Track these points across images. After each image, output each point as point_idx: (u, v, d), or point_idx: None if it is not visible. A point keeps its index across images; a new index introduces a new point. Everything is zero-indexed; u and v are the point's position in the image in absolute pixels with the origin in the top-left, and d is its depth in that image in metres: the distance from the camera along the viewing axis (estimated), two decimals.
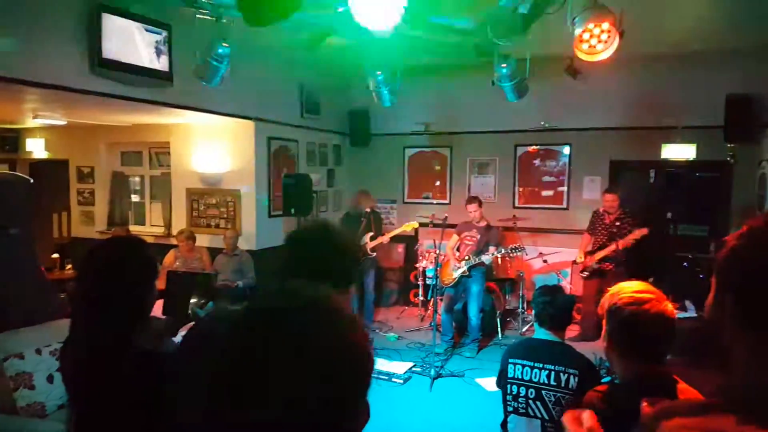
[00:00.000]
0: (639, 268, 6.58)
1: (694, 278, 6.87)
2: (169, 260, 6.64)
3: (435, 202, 8.84)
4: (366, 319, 7.40)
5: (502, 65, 4.95)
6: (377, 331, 7.31)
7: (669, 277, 6.86)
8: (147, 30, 5.06)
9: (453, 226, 6.86)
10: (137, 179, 8.62)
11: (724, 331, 1.02)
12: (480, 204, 6.66)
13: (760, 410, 0.89)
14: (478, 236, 6.57)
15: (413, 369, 5.99)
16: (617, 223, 6.62)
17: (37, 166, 8.92)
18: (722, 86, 6.86)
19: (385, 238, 7.13)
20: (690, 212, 7.07)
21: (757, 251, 0.98)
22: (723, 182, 7.35)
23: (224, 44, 4.44)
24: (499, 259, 7.10)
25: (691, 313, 5.61)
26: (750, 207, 6.84)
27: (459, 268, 6.54)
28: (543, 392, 2.98)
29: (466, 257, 6.53)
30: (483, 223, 6.67)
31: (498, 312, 7.10)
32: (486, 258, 6.41)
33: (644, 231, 6.39)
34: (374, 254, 7.20)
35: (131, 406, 1.48)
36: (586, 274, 6.85)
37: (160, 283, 6.33)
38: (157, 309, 2.89)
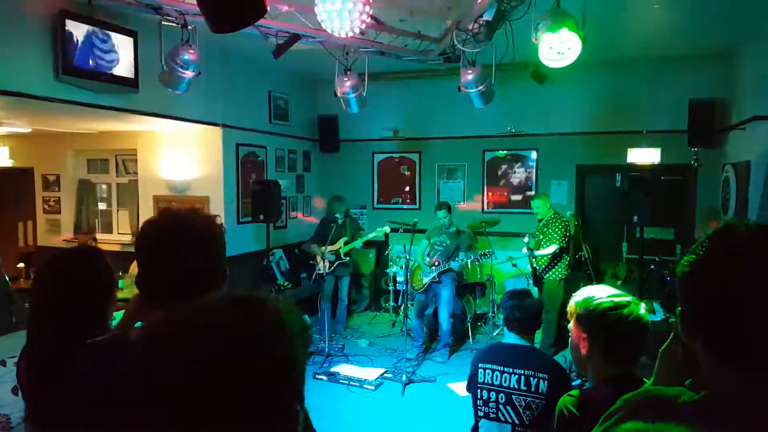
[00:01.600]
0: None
1: (661, 281, 6.99)
2: (136, 269, 6.50)
3: (405, 207, 8.87)
4: (337, 324, 7.36)
5: (468, 71, 4.99)
6: (348, 337, 7.28)
7: (637, 278, 6.99)
8: (112, 37, 4.98)
9: (423, 231, 6.89)
10: (104, 187, 8.46)
11: (688, 343, 1.05)
12: (450, 209, 6.70)
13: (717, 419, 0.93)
14: (448, 242, 6.60)
15: (385, 375, 5.98)
16: (545, 229, 6.61)
17: (0, 174, 8.70)
18: (686, 91, 7.03)
19: (357, 243, 7.11)
20: (656, 215, 7.20)
21: (698, 264, 1.00)
22: (688, 185, 7.51)
23: (190, 51, 4.39)
24: (469, 265, 7.14)
25: (659, 315, 5.71)
26: (714, 210, 7.01)
27: (429, 273, 6.56)
28: (513, 397, 2.99)
29: (436, 263, 6.55)
30: (453, 229, 6.71)
31: (469, 316, 7.14)
32: (455, 264, 6.45)
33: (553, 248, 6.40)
34: (347, 259, 7.14)
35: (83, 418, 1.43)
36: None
37: (133, 291, 6.20)
38: None
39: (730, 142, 6.87)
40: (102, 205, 8.48)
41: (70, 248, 1.90)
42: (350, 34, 3.55)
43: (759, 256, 0.96)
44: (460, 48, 4.55)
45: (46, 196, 8.47)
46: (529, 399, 2.95)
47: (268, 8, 2.91)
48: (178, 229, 1.43)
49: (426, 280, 6.59)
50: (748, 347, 0.96)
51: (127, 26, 5.12)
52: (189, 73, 4.45)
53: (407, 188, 8.95)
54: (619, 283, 7.30)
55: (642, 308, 1.92)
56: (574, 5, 3.88)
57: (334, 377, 5.89)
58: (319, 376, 5.89)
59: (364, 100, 5.76)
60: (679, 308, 1.06)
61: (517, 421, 2.96)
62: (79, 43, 4.72)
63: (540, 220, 6.69)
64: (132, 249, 6.40)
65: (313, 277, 7.30)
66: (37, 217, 8.56)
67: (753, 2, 5.10)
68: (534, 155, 8.21)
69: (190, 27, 4.34)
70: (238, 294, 0.84)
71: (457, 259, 6.47)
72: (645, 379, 1.86)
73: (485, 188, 8.46)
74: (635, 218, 6.86)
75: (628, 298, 1.92)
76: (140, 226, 1.50)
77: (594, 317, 1.90)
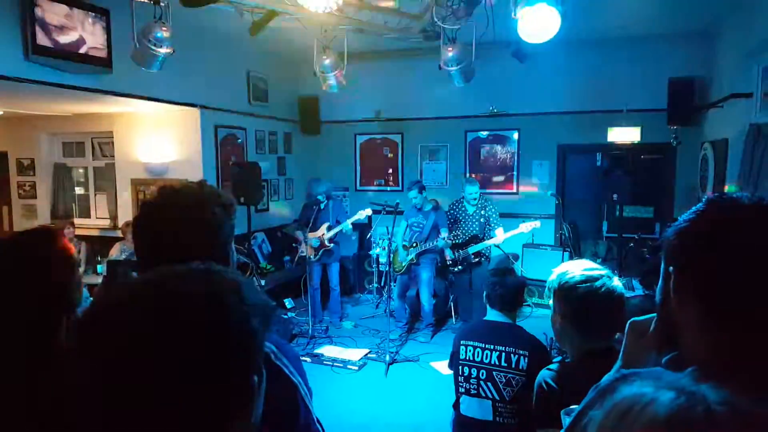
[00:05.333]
0: None
1: (640, 258, 7.06)
2: (114, 253, 6.43)
3: (388, 189, 8.84)
4: (332, 316, 7.19)
5: (449, 48, 4.95)
6: (333, 321, 7.24)
7: (617, 256, 7.05)
8: (84, 15, 4.85)
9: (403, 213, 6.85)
10: (80, 171, 8.31)
11: (672, 308, 1.04)
12: (422, 189, 6.57)
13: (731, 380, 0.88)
14: (425, 222, 6.55)
15: (368, 356, 6.00)
16: (482, 212, 6.59)
17: None
18: (665, 69, 7.05)
19: (343, 226, 6.77)
20: (635, 194, 7.27)
21: (698, 229, 1.00)
22: (667, 164, 7.57)
23: (163, 28, 4.28)
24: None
25: (638, 292, 5.77)
26: (693, 188, 7.07)
27: (407, 255, 6.54)
28: (494, 373, 3.01)
29: (414, 244, 6.52)
30: (429, 207, 6.64)
31: (451, 296, 7.16)
32: (440, 241, 6.37)
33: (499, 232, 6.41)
34: (332, 245, 6.91)
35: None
36: (459, 268, 6.66)
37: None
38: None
39: (708, 120, 6.92)
40: (79, 190, 8.33)
41: (16, 232, 1.81)
42: (327, 10, 3.48)
43: (758, 218, 0.97)
44: (440, 25, 4.50)
45: (21, 181, 8.28)
46: (509, 375, 2.97)
47: None
48: (177, 211, 1.34)
49: (405, 261, 6.57)
50: (751, 309, 0.95)
51: (99, 4, 4.99)
52: (163, 51, 4.34)
53: (390, 170, 8.91)
54: (599, 261, 7.36)
55: (615, 281, 1.92)
56: None
57: (318, 359, 5.89)
58: (303, 358, 5.85)
59: (344, 79, 5.68)
60: (669, 275, 1.05)
61: (497, 397, 2.99)
62: (49, 21, 4.59)
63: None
64: (111, 233, 6.29)
65: (296, 260, 7.24)
66: (13, 202, 8.37)
67: None
68: (515, 135, 8.20)
69: (162, 3, 4.22)
70: (196, 266, 0.80)
71: (439, 238, 6.40)
72: None
73: (468, 169, 8.45)
74: (615, 197, 6.91)
75: (602, 272, 1.92)
76: (139, 206, 1.41)
77: (567, 291, 1.90)
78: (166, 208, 1.35)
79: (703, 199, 1.05)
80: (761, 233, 0.96)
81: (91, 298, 2.86)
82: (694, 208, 1.04)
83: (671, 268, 1.04)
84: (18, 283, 1.53)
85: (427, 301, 6.58)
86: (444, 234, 6.38)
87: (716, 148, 6.26)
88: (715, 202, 1.03)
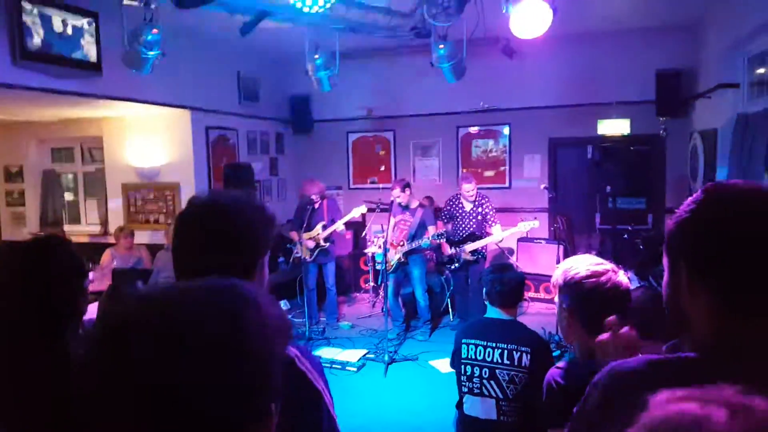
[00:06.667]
0: None
1: (634, 249, 7.10)
2: (106, 259, 6.32)
3: (381, 186, 8.82)
4: (328, 317, 7.13)
5: (440, 45, 4.95)
6: (329, 322, 7.20)
7: (611, 248, 7.09)
8: (72, 18, 4.80)
9: None
10: (70, 176, 8.23)
11: (681, 297, 1.05)
12: (405, 187, 6.46)
13: (743, 362, 0.92)
14: (412, 219, 6.49)
15: (367, 356, 5.97)
16: (479, 210, 6.49)
17: None
18: (653, 62, 7.10)
19: (338, 226, 6.69)
20: (627, 186, 7.31)
21: (702, 217, 1.01)
22: (657, 155, 7.61)
23: (153, 30, 4.25)
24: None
25: (634, 283, 5.81)
26: (683, 178, 7.12)
27: (395, 254, 6.51)
28: (497, 371, 3.01)
29: (401, 243, 6.49)
30: (414, 204, 6.56)
31: (448, 293, 7.15)
32: (425, 242, 6.32)
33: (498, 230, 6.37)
34: (329, 244, 6.83)
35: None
36: (456, 266, 6.54)
37: (104, 283, 6.04)
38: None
39: (696, 110, 6.98)
40: (68, 196, 8.26)
41: (31, 239, 1.80)
42: (320, 10, 3.46)
43: (759, 204, 0.99)
44: (430, 22, 4.50)
45: (9, 189, 8.20)
46: (512, 373, 2.97)
47: None
48: (213, 219, 1.27)
49: (393, 260, 6.49)
50: (759, 295, 0.97)
51: (88, 7, 4.94)
52: (153, 53, 4.31)
53: (383, 167, 8.90)
54: (593, 253, 7.39)
55: (620, 275, 1.91)
56: None
57: None
58: None
59: (335, 78, 5.67)
60: (677, 267, 1.06)
61: (501, 396, 2.99)
62: (37, 25, 4.53)
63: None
64: (102, 240, 6.24)
65: (291, 260, 7.20)
66: (0, 210, 8.29)
67: None
68: (506, 130, 8.23)
69: (152, 6, 4.19)
70: (214, 281, 0.76)
71: (424, 238, 6.31)
72: None
73: (460, 164, 8.46)
74: (607, 189, 6.95)
75: (607, 266, 1.91)
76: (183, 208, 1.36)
77: (573, 287, 1.88)
78: (197, 220, 1.29)
79: (701, 188, 1.05)
80: (763, 217, 0.97)
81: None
82: (692, 198, 1.04)
83: (679, 260, 1.05)
84: (28, 290, 1.53)
85: (421, 297, 6.56)
86: (431, 231, 6.30)
87: (705, 138, 6.31)
88: (713, 190, 1.04)
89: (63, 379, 1.34)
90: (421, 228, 6.41)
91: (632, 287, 1.98)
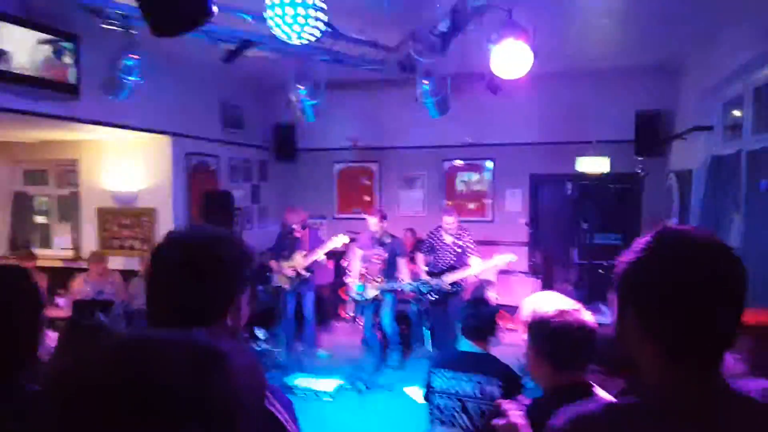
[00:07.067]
0: None
1: (609, 283, 7.13)
2: (78, 285, 6.11)
3: (365, 217, 8.76)
4: (307, 346, 7.02)
5: (424, 81, 4.98)
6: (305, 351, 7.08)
7: (588, 282, 7.12)
8: (51, 41, 4.75)
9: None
10: (43, 199, 8.06)
11: (629, 340, 1.07)
12: (382, 218, 6.45)
13: (682, 409, 0.97)
14: (386, 254, 6.46)
15: (343, 385, 5.90)
16: (460, 242, 6.48)
17: None
18: (633, 102, 7.28)
19: (318, 255, 6.63)
20: (604, 222, 7.39)
21: (647, 266, 1.03)
22: (634, 193, 7.72)
23: (132, 56, 4.22)
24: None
25: (607, 317, 5.82)
26: (659, 216, 7.21)
27: (371, 289, 6.44)
28: (468, 404, 2.99)
29: (379, 279, 6.41)
30: (388, 239, 6.51)
31: (424, 320, 7.07)
32: (406, 285, 6.36)
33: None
34: (309, 274, 6.78)
35: None
36: (434, 297, 6.45)
37: (65, 312, 5.82)
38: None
39: (673, 151, 7.11)
40: (41, 219, 8.07)
41: None
42: (304, 42, 3.47)
43: (706, 256, 1.00)
44: (415, 58, 4.54)
45: None
46: (483, 406, 2.95)
47: (215, 11, 2.80)
48: (189, 256, 1.23)
49: (369, 295, 6.45)
50: (699, 346, 0.99)
51: (69, 30, 4.89)
52: (132, 80, 4.27)
53: (367, 198, 8.89)
54: (569, 287, 7.42)
55: (587, 314, 1.92)
56: (525, 18, 3.93)
57: (291, 390, 5.75)
58: None
59: (320, 109, 5.66)
60: (625, 311, 1.07)
61: (471, 428, 2.97)
62: (14, 47, 4.47)
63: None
64: (74, 265, 6.07)
65: (270, 289, 7.09)
66: None
67: (695, 20, 5.28)
68: (490, 164, 8.30)
69: (133, 31, 4.16)
70: (181, 338, 0.72)
71: (404, 282, 6.36)
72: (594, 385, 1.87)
73: (444, 197, 8.49)
74: (585, 225, 7.00)
75: (573, 305, 1.93)
76: (158, 242, 1.32)
77: (539, 325, 1.90)
78: (173, 256, 1.25)
79: (651, 233, 1.06)
80: (707, 269, 0.98)
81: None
82: (643, 240, 1.05)
83: (627, 304, 1.06)
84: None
85: (388, 325, 6.50)
86: (401, 263, 6.37)
87: (680, 178, 6.42)
88: (663, 237, 1.05)
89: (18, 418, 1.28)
90: (392, 256, 6.41)
91: (607, 322, 1.98)
